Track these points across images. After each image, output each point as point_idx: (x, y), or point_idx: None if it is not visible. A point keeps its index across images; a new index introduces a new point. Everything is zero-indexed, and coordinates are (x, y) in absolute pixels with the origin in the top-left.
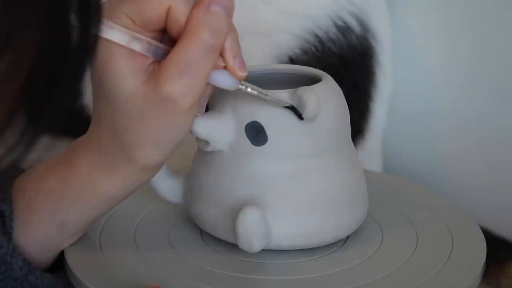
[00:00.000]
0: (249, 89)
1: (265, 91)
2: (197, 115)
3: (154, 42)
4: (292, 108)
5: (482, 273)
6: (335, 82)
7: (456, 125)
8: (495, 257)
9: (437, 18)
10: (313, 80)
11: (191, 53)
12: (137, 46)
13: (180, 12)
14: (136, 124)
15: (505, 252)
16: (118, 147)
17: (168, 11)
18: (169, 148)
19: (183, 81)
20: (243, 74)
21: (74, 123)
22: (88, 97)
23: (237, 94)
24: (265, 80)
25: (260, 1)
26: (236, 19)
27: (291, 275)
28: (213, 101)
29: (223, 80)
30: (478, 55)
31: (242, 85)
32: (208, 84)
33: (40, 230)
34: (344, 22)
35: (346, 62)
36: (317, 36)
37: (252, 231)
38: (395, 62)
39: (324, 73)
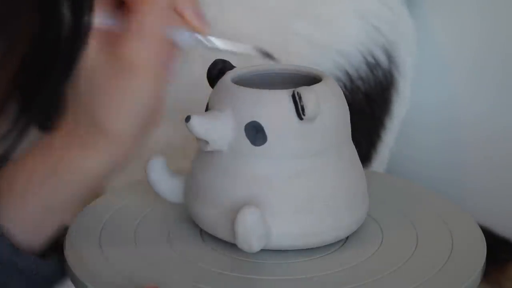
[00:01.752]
0: (214, 42)
1: (230, 41)
2: (169, 82)
3: (110, 12)
4: (265, 53)
5: (482, 273)
6: (335, 82)
7: (461, 120)
8: (496, 258)
9: (465, 28)
10: (313, 80)
11: (144, 12)
12: (95, 19)
13: None
14: (102, 94)
15: (506, 253)
16: (91, 123)
17: None
18: (136, 114)
19: (139, 40)
20: (204, 27)
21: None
22: None
23: (237, 93)
24: (265, 80)
25: (293, 34)
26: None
27: (291, 275)
28: (213, 100)
29: (185, 37)
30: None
31: (205, 40)
32: (171, 44)
33: (25, 211)
34: (374, 58)
35: (370, 98)
36: (347, 73)
37: (251, 231)
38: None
39: (324, 73)
